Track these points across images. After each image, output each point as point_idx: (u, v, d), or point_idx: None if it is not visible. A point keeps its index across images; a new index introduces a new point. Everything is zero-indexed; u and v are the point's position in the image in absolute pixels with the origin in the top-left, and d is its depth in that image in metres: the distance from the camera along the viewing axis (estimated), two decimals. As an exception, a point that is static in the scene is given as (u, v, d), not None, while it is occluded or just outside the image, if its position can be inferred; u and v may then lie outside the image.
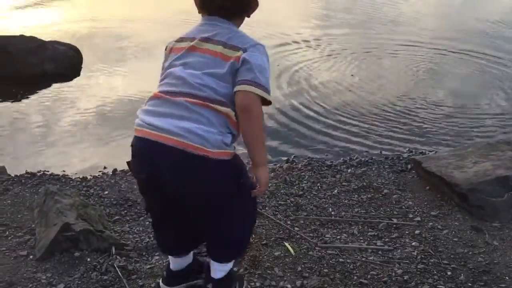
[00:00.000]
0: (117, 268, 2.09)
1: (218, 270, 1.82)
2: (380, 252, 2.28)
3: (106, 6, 8.06)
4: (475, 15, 8.57)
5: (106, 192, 2.87)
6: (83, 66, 5.36)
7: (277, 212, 2.62)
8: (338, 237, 2.40)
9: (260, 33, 5.64)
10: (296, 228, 2.46)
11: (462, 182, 2.65)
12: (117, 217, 2.59)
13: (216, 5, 1.66)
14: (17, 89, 4.69)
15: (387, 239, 2.38)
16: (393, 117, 4.35)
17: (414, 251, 2.28)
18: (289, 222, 2.52)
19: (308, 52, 6.12)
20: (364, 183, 2.94)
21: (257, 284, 2.03)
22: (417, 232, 2.43)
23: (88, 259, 2.14)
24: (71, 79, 5.05)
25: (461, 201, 2.64)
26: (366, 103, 4.62)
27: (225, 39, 1.62)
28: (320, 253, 2.25)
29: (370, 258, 2.23)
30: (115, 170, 3.24)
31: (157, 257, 2.21)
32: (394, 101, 4.70)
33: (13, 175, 3.11)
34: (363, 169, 3.20)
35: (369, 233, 2.43)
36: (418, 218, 2.56)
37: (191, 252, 1.93)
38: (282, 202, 2.72)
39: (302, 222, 2.53)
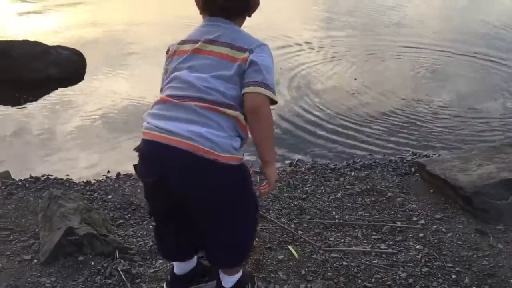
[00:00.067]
0: (121, 272, 2.09)
1: (230, 281, 1.82)
2: (384, 256, 2.27)
3: (109, 10, 8.11)
4: (479, 17, 8.56)
5: (110, 196, 2.88)
6: (86, 70, 5.38)
7: (280, 216, 2.62)
8: (342, 240, 2.39)
9: (263, 35, 5.63)
10: (300, 232, 2.46)
11: (466, 185, 2.64)
12: (120, 221, 2.59)
13: (218, 5, 1.65)
14: (21, 94, 4.72)
15: (391, 242, 2.37)
16: (397, 119, 4.34)
17: (418, 254, 2.27)
18: (292, 226, 2.51)
19: (311, 55, 6.13)
20: (368, 186, 2.94)
21: (261, 288, 2.03)
22: (421, 235, 2.43)
23: (92, 263, 2.14)
24: (75, 84, 5.08)
25: (465, 204, 2.63)
26: (369, 106, 4.61)
27: (230, 40, 1.62)
28: (324, 257, 2.25)
29: (374, 261, 2.23)
30: (118, 174, 3.25)
31: (160, 261, 2.21)
32: (398, 103, 4.69)
33: (17, 179, 3.13)
34: (366, 172, 3.19)
35: (373, 236, 2.43)
36: (422, 221, 2.55)
37: (195, 256, 1.92)
38: (285, 206, 2.72)
39: (305, 225, 2.53)
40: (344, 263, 2.20)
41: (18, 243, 2.34)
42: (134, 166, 1.72)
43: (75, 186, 3.05)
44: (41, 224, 2.37)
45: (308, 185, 3.00)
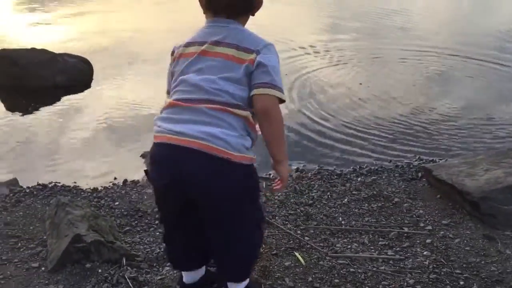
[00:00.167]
0: (128, 279, 2.09)
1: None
2: (391, 262, 2.26)
3: (116, 19, 8.16)
4: (485, 22, 8.56)
5: (117, 203, 2.89)
6: (93, 78, 5.41)
7: (287, 222, 2.61)
8: (349, 246, 2.39)
9: (268, 39, 5.65)
10: (306, 238, 2.45)
11: (473, 190, 2.63)
12: (127, 228, 2.60)
13: (222, 3, 1.65)
14: (28, 101, 4.75)
15: (398, 249, 2.36)
16: (403, 124, 4.33)
17: (425, 261, 2.26)
18: (299, 232, 2.51)
19: (317, 60, 6.14)
20: (374, 192, 2.93)
21: (268, 295, 2.02)
22: (428, 241, 2.42)
23: (99, 270, 2.15)
24: (81, 91, 5.11)
25: (472, 209, 2.61)
26: (375, 111, 4.60)
27: (236, 42, 1.62)
28: (330, 263, 2.24)
29: (382, 267, 2.22)
30: (125, 181, 3.26)
31: (167, 268, 2.21)
32: (404, 108, 4.68)
33: (25, 186, 3.15)
34: (373, 177, 3.18)
35: (380, 243, 2.42)
36: (430, 227, 2.54)
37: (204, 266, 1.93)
38: (292, 212, 2.72)
39: (312, 231, 2.52)
40: (351, 270, 2.19)
41: (26, 251, 2.35)
42: (145, 171, 1.73)
43: (82, 193, 3.06)
44: (48, 231, 2.38)
45: (315, 191, 2.99)
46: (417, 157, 3.70)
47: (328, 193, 2.95)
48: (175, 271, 2.13)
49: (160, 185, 1.67)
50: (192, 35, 1.72)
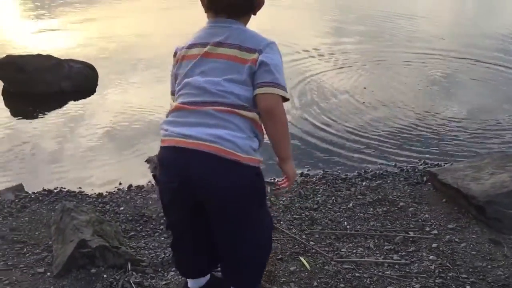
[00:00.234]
0: (133, 285, 2.09)
1: None
2: (397, 266, 2.25)
3: (121, 25, 8.20)
4: (489, 24, 8.54)
5: (122, 208, 2.89)
6: (98, 83, 5.43)
7: (292, 226, 2.61)
8: (354, 251, 2.38)
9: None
10: (312, 242, 2.45)
11: (479, 194, 2.62)
12: (132, 233, 2.60)
13: (223, 3, 1.65)
14: (34, 107, 4.78)
15: (403, 253, 2.35)
16: (408, 128, 4.32)
17: (431, 265, 2.24)
18: (304, 236, 2.51)
19: (321, 63, 6.15)
20: (380, 196, 2.92)
21: (273, 300, 2.02)
22: (434, 245, 2.40)
23: (105, 276, 2.15)
24: (87, 97, 5.13)
25: (478, 213, 2.60)
26: (379, 115, 4.60)
27: (239, 42, 1.62)
28: (336, 268, 2.23)
29: (387, 272, 2.21)
30: (130, 186, 3.27)
31: (172, 273, 2.21)
32: (408, 112, 4.67)
33: (30, 192, 3.16)
34: (378, 182, 3.18)
35: (385, 247, 2.41)
36: (435, 231, 2.53)
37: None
38: (297, 216, 2.71)
39: (317, 236, 2.52)
40: (357, 274, 2.19)
41: (32, 256, 2.36)
42: (154, 175, 1.73)
43: (87, 198, 3.07)
44: (54, 236, 2.39)
45: (319, 195, 2.99)
46: (422, 161, 3.69)
47: (333, 198, 2.95)
48: (180, 276, 2.13)
49: (169, 188, 1.66)
50: (194, 36, 1.71)
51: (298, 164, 3.65)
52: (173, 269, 2.22)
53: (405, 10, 9.60)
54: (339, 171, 3.52)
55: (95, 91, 5.30)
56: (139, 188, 3.22)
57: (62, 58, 5.45)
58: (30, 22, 8.42)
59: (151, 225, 2.68)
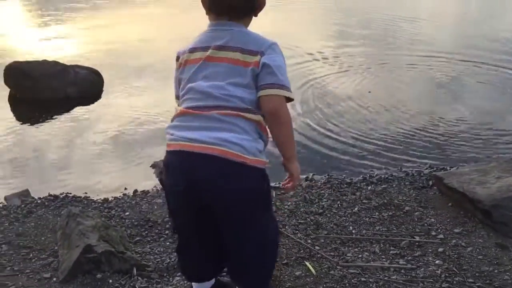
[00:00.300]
0: (138, 290, 2.10)
1: None
2: (403, 271, 2.24)
3: (126, 31, 8.24)
4: (494, 27, 8.52)
5: (127, 213, 2.90)
6: (104, 89, 5.46)
7: (297, 231, 2.60)
8: (360, 255, 2.37)
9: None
10: (317, 247, 2.44)
11: (485, 198, 2.60)
12: (138, 238, 2.61)
13: (225, 4, 1.64)
14: (40, 113, 4.81)
15: (409, 258, 2.34)
16: (413, 132, 4.31)
17: (438, 270, 2.23)
18: (309, 241, 2.50)
19: (325, 67, 6.15)
20: (385, 200, 2.91)
21: (279, 305, 2.01)
22: (440, 250, 2.39)
23: (110, 281, 2.15)
24: (92, 102, 5.16)
25: (484, 217, 2.59)
26: (384, 119, 4.59)
27: (241, 45, 1.62)
28: (341, 273, 2.23)
29: (393, 277, 2.20)
30: (135, 191, 3.27)
31: (178, 278, 2.21)
32: (413, 116, 4.66)
33: (36, 197, 3.18)
34: (383, 186, 3.17)
35: (391, 252, 2.40)
36: (441, 236, 2.52)
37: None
38: (302, 221, 2.71)
39: (322, 240, 2.51)
40: (363, 279, 2.18)
41: (38, 261, 2.36)
42: (160, 179, 1.74)
43: (93, 203, 3.08)
44: (60, 242, 2.40)
45: (325, 199, 2.98)
46: (427, 165, 3.68)
47: (338, 202, 2.94)
48: (185, 281, 2.13)
49: (174, 192, 1.67)
50: (195, 39, 1.71)
51: (303, 169, 3.62)
52: (179, 274, 2.22)
53: (408, 13, 9.59)
54: (344, 176, 3.51)
55: (100, 97, 5.32)
56: (145, 193, 3.23)
57: (68, 64, 5.49)
58: (36, 28, 8.48)
59: (157, 230, 2.68)
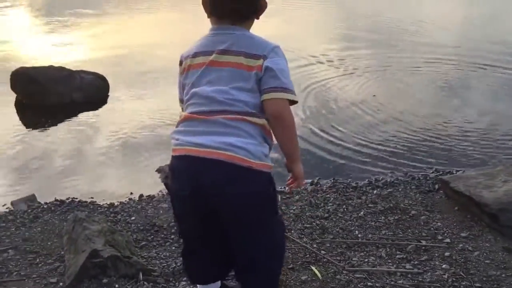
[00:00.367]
0: (144, 294, 2.10)
1: None
2: (409, 276, 2.23)
3: (132, 37, 8.26)
4: (500, 29, 8.48)
5: (133, 218, 2.90)
6: (109, 94, 5.48)
7: (303, 235, 2.60)
8: (366, 260, 2.36)
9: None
10: (323, 252, 2.43)
11: (491, 202, 2.59)
12: (144, 243, 2.61)
13: (227, 8, 1.64)
14: (46, 118, 4.83)
15: (416, 262, 2.33)
16: (418, 136, 4.29)
17: (444, 274, 2.22)
18: (315, 245, 2.49)
19: (330, 70, 6.15)
20: (391, 204, 2.90)
21: (285, 310, 2.01)
22: (447, 254, 2.38)
23: (116, 286, 2.15)
24: (98, 108, 5.18)
25: (491, 221, 2.57)
26: (389, 123, 4.58)
27: (244, 49, 1.62)
28: (347, 277, 2.22)
29: (400, 281, 2.19)
30: (141, 196, 3.28)
31: (183, 283, 2.21)
32: (419, 119, 4.64)
33: (42, 202, 3.19)
34: (389, 190, 3.16)
35: (397, 256, 2.39)
36: (448, 240, 2.50)
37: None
38: (307, 225, 2.70)
39: (328, 245, 2.50)
40: (369, 284, 2.17)
41: (44, 266, 2.37)
42: (166, 184, 1.75)
43: (99, 208, 3.09)
44: (66, 246, 2.40)
45: (330, 204, 2.98)
46: (433, 169, 3.66)
47: (344, 206, 2.93)
48: (191, 286, 2.13)
49: (180, 196, 1.67)
50: (198, 43, 1.71)
51: (308, 173, 3.63)
52: (184, 278, 2.22)
53: (413, 16, 9.57)
54: (349, 180, 3.50)
55: (106, 102, 5.34)
56: (150, 197, 3.23)
57: (74, 69, 5.52)
58: (42, 34, 8.53)
59: (162, 235, 2.69)
